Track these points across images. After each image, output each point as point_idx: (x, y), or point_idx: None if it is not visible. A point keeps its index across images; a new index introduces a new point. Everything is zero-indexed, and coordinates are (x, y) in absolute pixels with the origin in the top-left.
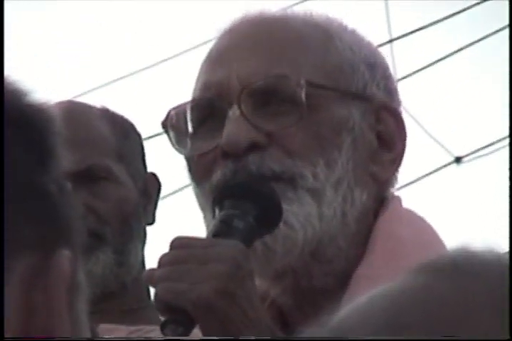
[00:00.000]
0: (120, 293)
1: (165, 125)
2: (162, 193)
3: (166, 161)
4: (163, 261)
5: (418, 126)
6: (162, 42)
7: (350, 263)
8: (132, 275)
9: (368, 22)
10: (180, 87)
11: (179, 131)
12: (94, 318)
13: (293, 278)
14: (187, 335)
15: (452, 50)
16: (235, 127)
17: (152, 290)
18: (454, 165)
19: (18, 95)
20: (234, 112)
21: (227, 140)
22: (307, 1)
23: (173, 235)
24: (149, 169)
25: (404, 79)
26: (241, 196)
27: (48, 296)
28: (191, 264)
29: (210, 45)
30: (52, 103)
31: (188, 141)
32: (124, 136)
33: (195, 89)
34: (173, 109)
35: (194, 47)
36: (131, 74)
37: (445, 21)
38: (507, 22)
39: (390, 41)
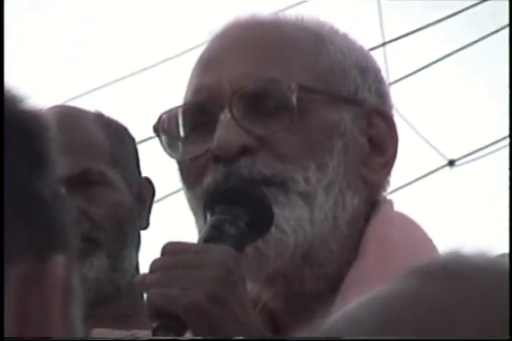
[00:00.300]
0: (114, 298)
1: (156, 129)
2: (155, 197)
3: (158, 165)
4: (155, 266)
5: (411, 129)
6: (153, 47)
7: (342, 266)
8: (126, 280)
9: (360, 25)
10: (172, 90)
11: (171, 135)
12: (88, 323)
13: (284, 281)
14: None
15: (445, 54)
16: (226, 131)
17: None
18: (447, 168)
19: (13, 101)
20: (225, 116)
21: (218, 144)
22: (299, 5)
23: (166, 239)
24: (141, 172)
25: (397, 83)
26: (232, 201)
27: (42, 302)
28: (182, 270)
29: (201, 49)
30: (47, 107)
31: (180, 145)
32: (118, 141)
33: (186, 93)
34: (165, 112)
35: (184, 52)
36: (124, 77)
37: (437, 25)
38: (499, 25)
39: (383, 44)
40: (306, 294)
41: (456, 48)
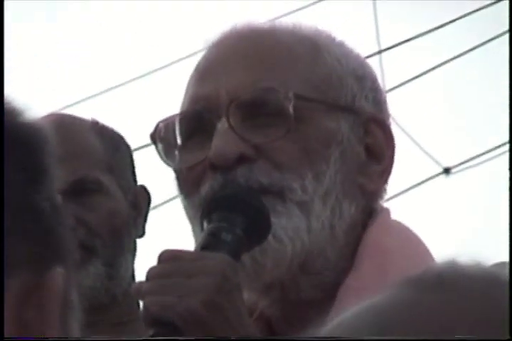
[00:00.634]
0: (110, 306)
1: (153, 137)
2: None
3: (154, 172)
4: (151, 274)
5: (407, 137)
6: (150, 54)
7: (338, 274)
8: (122, 288)
9: (356, 33)
10: (169, 98)
11: (168, 144)
12: (84, 331)
13: (281, 290)
14: None
15: (440, 61)
16: (224, 140)
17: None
18: (443, 176)
19: (13, 114)
20: (222, 125)
21: (215, 152)
22: (295, 13)
23: (162, 247)
24: (137, 180)
25: (393, 90)
26: (229, 209)
27: (40, 314)
28: (179, 277)
29: (198, 57)
30: (42, 115)
31: (177, 154)
32: (114, 149)
33: (183, 102)
34: (162, 121)
35: (181, 59)
36: (120, 85)
37: (433, 32)
38: (495, 33)
39: (379, 52)
40: (303, 302)
41: (451, 56)
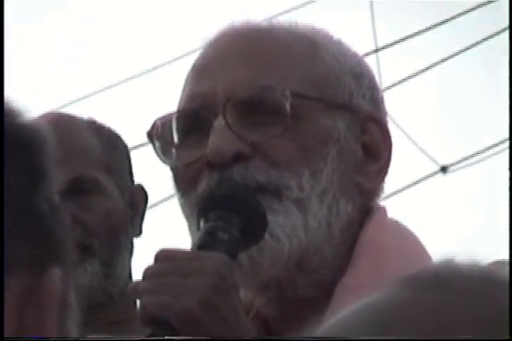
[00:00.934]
0: (107, 305)
1: (150, 135)
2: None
3: (151, 171)
4: (148, 273)
5: (404, 135)
6: (147, 53)
7: (335, 273)
8: (119, 287)
9: (353, 32)
10: (166, 96)
11: (164, 142)
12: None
13: (278, 288)
14: None
15: (437, 60)
16: (220, 137)
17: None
18: (440, 174)
19: (12, 116)
20: (219, 123)
21: (211, 150)
22: (292, 11)
23: (159, 246)
24: (134, 179)
25: (390, 89)
26: (226, 208)
27: (39, 315)
28: (175, 277)
29: (195, 56)
30: (40, 115)
31: (174, 152)
32: (111, 148)
33: (180, 100)
34: (159, 119)
35: (179, 58)
36: (117, 83)
37: (430, 31)
38: (492, 32)
39: (376, 51)
40: (300, 300)
41: (448, 55)
